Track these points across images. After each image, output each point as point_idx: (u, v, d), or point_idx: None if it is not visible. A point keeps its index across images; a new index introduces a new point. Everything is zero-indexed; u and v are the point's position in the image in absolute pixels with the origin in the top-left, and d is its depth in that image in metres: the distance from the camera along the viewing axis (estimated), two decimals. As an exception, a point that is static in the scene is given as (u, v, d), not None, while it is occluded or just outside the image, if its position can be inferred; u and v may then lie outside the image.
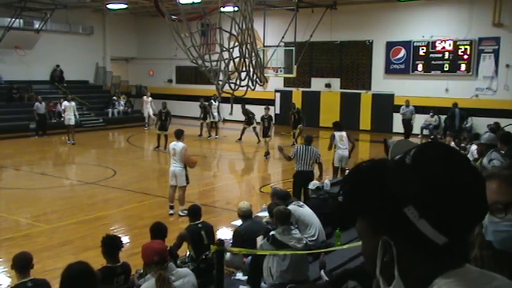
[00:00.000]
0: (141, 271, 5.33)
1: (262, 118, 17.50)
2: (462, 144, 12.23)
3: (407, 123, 20.10)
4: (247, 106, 19.18)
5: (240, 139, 19.59)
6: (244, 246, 6.23)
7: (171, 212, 10.06)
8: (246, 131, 19.53)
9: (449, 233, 0.99)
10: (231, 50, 9.80)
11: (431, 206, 0.97)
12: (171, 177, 10.08)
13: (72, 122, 19.20)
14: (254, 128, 19.15)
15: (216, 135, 21.09)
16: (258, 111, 19.59)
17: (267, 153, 16.41)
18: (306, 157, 9.78)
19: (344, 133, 11.80)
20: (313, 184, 8.33)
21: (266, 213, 7.43)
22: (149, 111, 23.18)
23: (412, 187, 0.99)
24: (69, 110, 19.13)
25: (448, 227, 0.98)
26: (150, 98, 23.55)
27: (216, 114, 21.10)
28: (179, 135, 10.16)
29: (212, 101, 20.94)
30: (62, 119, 19.93)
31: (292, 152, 10.20)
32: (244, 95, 10.02)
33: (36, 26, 23.56)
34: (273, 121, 18.52)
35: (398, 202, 0.99)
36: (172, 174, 10.04)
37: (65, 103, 19.62)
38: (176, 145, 10.01)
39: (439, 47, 20.75)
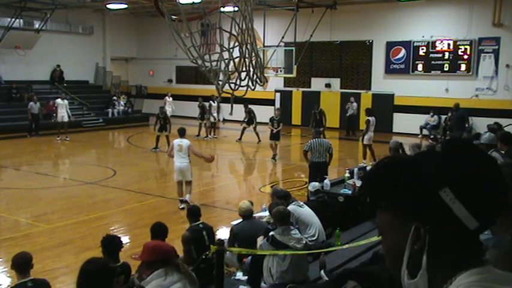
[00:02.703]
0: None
1: (272, 120, 16.27)
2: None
3: (351, 121, 20.75)
4: (249, 106, 19.15)
5: (240, 139, 19.58)
6: (240, 246, 6.23)
7: (181, 206, 10.09)
8: (246, 130, 19.53)
9: (480, 217, 1.00)
10: (231, 50, 9.80)
11: (466, 188, 1.00)
12: (177, 174, 10.15)
13: (66, 119, 19.75)
14: (255, 128, 19.14)
15: (215, 135, 21.08)
16: (258, 111, 19.60)
17: (275, 156, 15.81)
18: (320, 148, 10.70)
19: (374, 118, 14.88)
20: (312, 186, 8.28)
21: (266, 213, 7.43)
22: (169, 112, 22.83)
23: (446, 170, 1.02)
24: (62, 108, 19.69)
25: (480, 209, 1.00)
26: (171, 99, 23.49)
27: (215, 115, 21.05)
28: (182, 133, 10.45)
29: (211, 101, 20.86)
30: (54, 114, 20.20)
31: (306, 146, 10.94)
32: (244, 95, 10.02)
33: (36, 26, 23.56)
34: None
35: (433, 186, 1.01)
36: (178, 170, 10.12)
37: (58, 101, 20.01)
38: (182, 141, 10.28)
39: (439, 47, 20.75)
